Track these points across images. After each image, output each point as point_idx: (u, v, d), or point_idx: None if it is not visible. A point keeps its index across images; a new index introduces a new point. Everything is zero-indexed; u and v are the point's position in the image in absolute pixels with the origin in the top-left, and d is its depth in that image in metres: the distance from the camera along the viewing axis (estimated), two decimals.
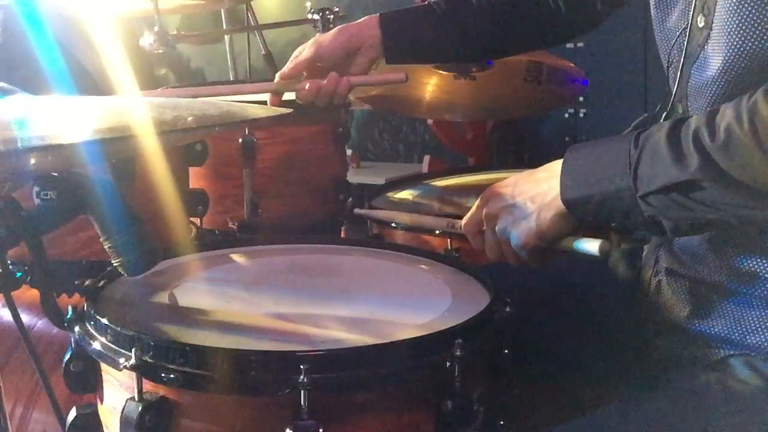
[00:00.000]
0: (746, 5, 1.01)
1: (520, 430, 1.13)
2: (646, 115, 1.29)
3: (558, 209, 1.13)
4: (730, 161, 0.96)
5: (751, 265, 1.09)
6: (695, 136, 0.99)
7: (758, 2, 1.00)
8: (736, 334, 1.09)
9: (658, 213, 1.05)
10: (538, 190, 1.16)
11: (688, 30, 1.13)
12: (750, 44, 1.02)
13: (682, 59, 1.15)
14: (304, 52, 1.60)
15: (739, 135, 0.96)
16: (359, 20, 1.59)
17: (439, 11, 1.59)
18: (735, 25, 1.02)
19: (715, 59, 1.07)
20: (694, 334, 1.14)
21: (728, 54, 1.04)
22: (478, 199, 1.24)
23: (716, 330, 1.12)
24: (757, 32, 1.01)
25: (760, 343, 1.08)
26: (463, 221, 1.27)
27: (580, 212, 1.12)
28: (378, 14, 1.58)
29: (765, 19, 1.00)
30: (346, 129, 1.93)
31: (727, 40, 1.04)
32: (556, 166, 1.15)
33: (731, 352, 1.10)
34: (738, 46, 1.03)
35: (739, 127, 0.96)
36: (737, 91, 1.02)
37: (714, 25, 1.07)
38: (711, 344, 1.12)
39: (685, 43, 1.14)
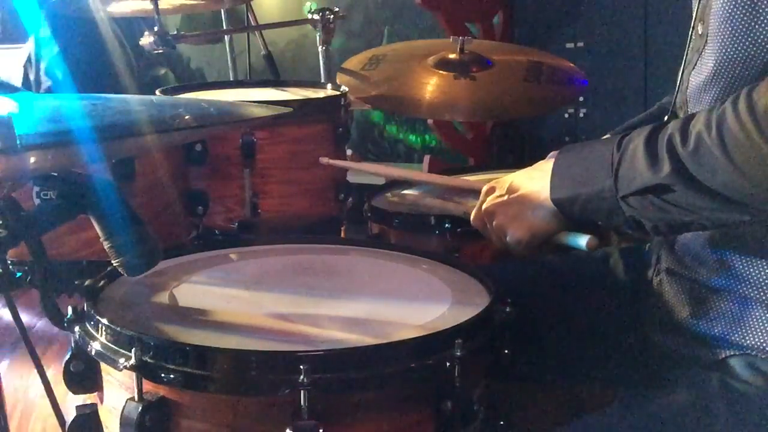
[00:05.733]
0: (739, 12, 1.02)
1: (520, 430, 1.13)
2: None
3: (548, 208, 1.16)
4: (699, 167, 0.99)
5: (751, 266, 1.09)
6: (669, 141, 1.02)
7: (750, 10, 1.01)
8: (737, 335, 1.10)
9: (637, 214, 1.07)
10: (530, 188, 1.19)
11: (689, 37, 1.15)
12: (743, 50, 1.03)
13: (683, 65, 1.17)
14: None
15: (708, 143, 0.98)
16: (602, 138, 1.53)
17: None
18: (728, 32, 1.04)
19: (709, 65, 1.09)
20: (695, 334, 1.14)
21: (721, 59, 1.06)
22: (481, 194, 1.28)
23: (717, 330, 1.12)
24: (749, 39, 1.02)
25: (760, 343, 1.08)
26: (472, 215, 1.31)
27: (567, 211, 1.15)
28: (613, 131, 1.51)
29: (757, 26, 1.01)
30: (346, 129, 1.92)
31: (721, 46, 1.05)
32: (549, 165, 1.17)
33: (732, 353, 1.10)
34: (731, 52, 1.04)
35: (707, 135, 0.98)
36: (731, 92, 1.03)
37: (709, 31, 1.08)
38: (711, 344, 1.12)
39: (687, 50, 1.16)
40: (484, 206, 1.26)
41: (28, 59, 3.13)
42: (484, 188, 1.28)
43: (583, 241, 1.17)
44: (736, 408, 1.07)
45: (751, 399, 1.07)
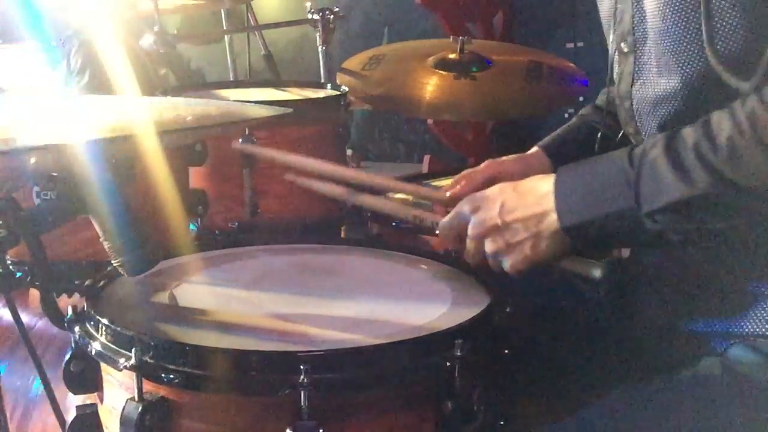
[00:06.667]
0: (689, 25, 1.04)
1: (520, 430, 1.13)
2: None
3: (554, 236, 1.10)
4: (738, 171, 0.98)
5: (743, 258, 1.09)
6: (696, 151, 1.00)
7: (706, 27, 1.03)
8: (736, 327, 1.10)
9: (664, 228, 1.04)
10: (527, 213, 1.11)
11: (612, 57, 1.18)
12: (702, 63, 1.05)
13: (619, 84, 1.19)
14: (479, 168, 1.47)
15: (743, 144, 0.97)
16: (530, 152, 1.54)
17: (592, 118, 1.58)
18: (685, 45, 1.06)
19: (664, 80, 1.10)
20: (693, 333, 1.14)
21: (684, 73, 1.08)
22: (457, 207, 1.18)
23: (716, 327, 1.12)
24: (705, 51, 1.04)
25: (760, 330, 1.08)
26: (440, 228, 1.20)
27: (580, 237, 1.09)
28: (539, 145, 1.54)
29: (716, 36, 1.03)
30: (346, 129, 1.92)
31: (677, 60, 1.07)
32: (543, 186, 1.11)
33: (732, 342, 1.10)
34: (697, 66, 1.06)
35: (741, 137, 0.97)
36: (698, 103, 1.06)
37: (645, 50, 1.11)
38: (712, 340, 1.12)
39: (615, 68, 1.19)
40: (472, 230, 1.15)
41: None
42: (464, 203, 1.17)
43: (597, 272, 1.11)
44: (739, 390, 1.06)
45: (753, 380, 1.07)
